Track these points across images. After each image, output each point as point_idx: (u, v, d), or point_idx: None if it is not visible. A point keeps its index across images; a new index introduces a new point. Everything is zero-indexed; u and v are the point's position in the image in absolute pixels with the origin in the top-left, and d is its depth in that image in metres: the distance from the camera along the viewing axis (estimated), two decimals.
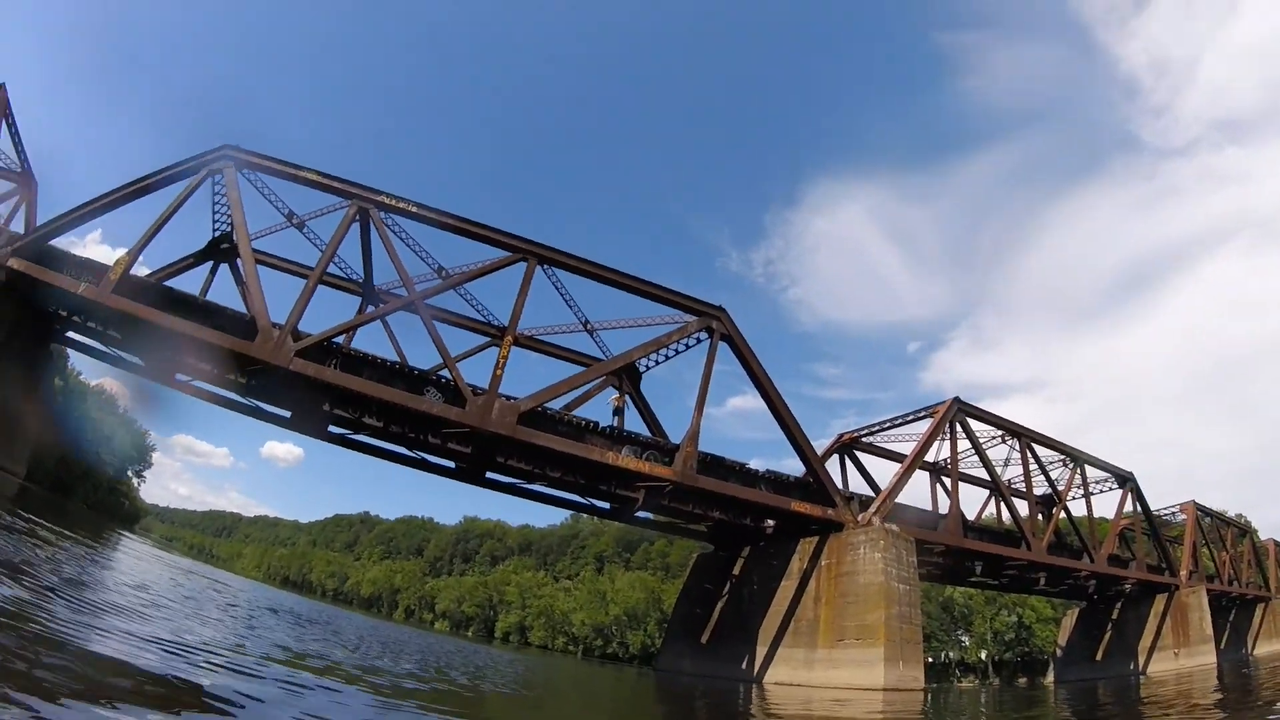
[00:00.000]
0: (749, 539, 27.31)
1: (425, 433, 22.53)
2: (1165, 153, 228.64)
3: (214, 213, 24.34)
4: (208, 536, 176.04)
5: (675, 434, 23.46)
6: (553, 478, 24.14)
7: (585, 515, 74.64)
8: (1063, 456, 35.77)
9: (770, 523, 26.08)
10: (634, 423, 26.45)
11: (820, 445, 29.63)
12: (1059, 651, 47.41)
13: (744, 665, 24.67)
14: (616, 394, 26.44)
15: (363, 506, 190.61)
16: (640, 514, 26.19)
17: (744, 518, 25.81)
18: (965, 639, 69.20)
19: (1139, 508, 38.91)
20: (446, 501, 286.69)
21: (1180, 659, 36.67)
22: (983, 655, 67.72)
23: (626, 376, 26.75)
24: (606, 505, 26.49)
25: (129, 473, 71.04)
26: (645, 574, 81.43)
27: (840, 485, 27.30)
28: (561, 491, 25.96)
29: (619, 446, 22.33)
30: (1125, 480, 38.49)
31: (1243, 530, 52.06)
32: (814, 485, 24.69)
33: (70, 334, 22.84)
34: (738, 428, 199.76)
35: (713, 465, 23.40)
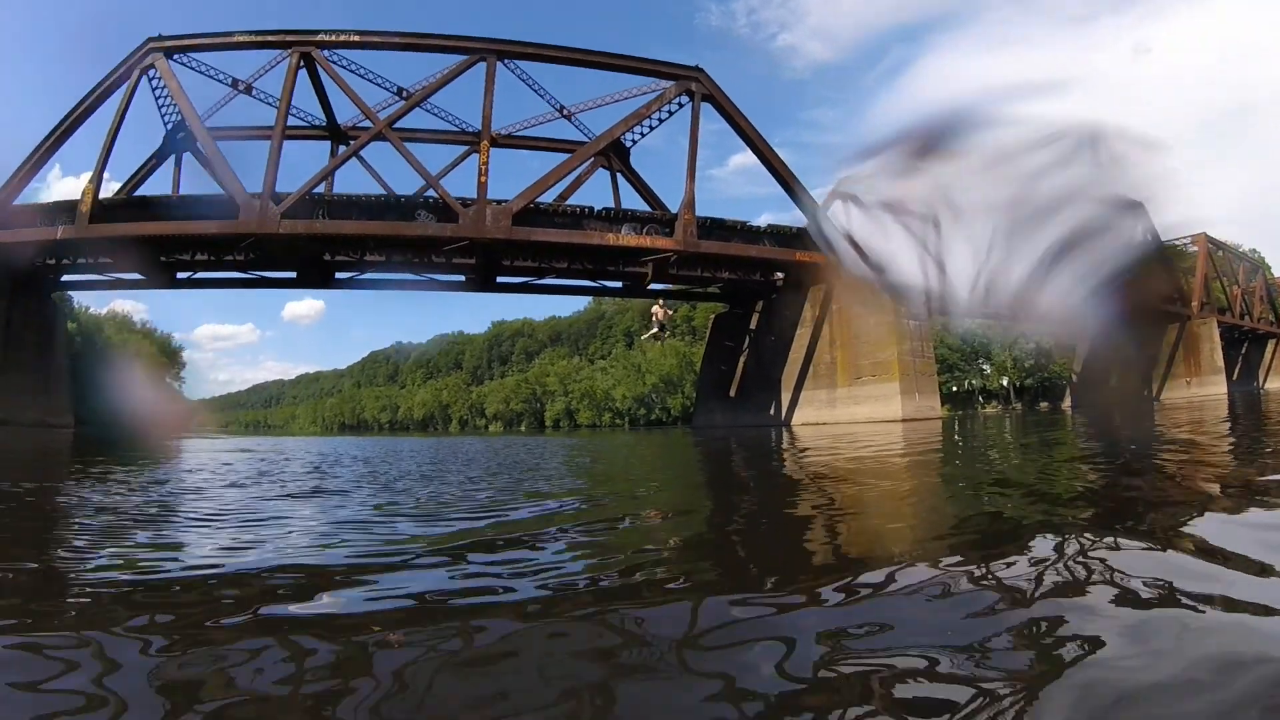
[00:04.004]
0: (761, 294, 28.07)
1: (428, 254, 23.00)
2: None
3: (160, 108, 23.56)
4: (258, 410, 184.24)
5: (677, 203, 23.36)
6: (560, 269, 24.78)
7: (604, 297, 76.35)
8: None
9: (779, 275, 26.57)
10: (631, 199, 26.34)
11: (823, 193, 29.29)
12: (1074, 377, 49.23)
13: (771, 412, 26.53)
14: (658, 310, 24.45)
15: (394, 338, 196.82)
16: (654, 286, 26.87)
17: (753, 274, 26.36)
18: (986, 367, 71.99)
19: (1149, 236, 38.21)
20: (473, 313, 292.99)
21: (1192, 388, 37.93)
22: (1004, 382, 70.74)
23: (614, 154, 26.15)
24: (619, 284, 27.27)
25: (167, 379, 72.92)
26: (674, 340, 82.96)
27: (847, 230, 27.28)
28: (573, 280, 26.75)
29: (618, 226, 22.45)
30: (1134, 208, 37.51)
31: (1255, 266, 51.14)
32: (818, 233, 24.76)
33: (66, 277, 23.26)
34: (743, 184, 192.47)
35: (713, 228, 23.52)
